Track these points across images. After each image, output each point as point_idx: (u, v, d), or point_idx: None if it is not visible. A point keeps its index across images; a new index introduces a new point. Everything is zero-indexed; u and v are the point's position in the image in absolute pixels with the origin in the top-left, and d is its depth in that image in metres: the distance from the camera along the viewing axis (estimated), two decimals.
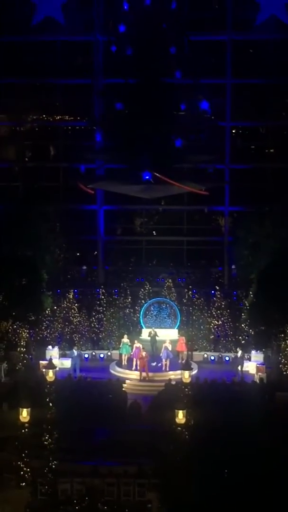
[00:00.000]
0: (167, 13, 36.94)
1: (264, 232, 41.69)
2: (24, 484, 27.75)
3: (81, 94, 49.22)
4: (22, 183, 49.74)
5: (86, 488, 26.72)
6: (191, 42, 41.92)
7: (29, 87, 49.60)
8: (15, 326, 41.04)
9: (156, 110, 35.75)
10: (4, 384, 38.16)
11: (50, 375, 28.69)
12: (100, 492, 26.77)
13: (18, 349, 41.15)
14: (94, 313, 44.37)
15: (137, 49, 36.42)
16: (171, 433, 27.38)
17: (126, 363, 40.59)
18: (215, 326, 43.75)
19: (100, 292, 44.93)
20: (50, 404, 28.31)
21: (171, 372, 38.93)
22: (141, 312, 44.41)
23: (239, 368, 39.87)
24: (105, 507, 26.35)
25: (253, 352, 41.34)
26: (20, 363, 40.77)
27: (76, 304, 44.25)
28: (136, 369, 39.30)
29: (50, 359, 31.21)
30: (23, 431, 27.98)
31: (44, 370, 30.95)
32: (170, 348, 40.04)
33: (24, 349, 41.21)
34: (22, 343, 41.17)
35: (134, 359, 39.77)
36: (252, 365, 40.41)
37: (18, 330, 41.19)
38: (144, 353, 39.03)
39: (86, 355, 43.24)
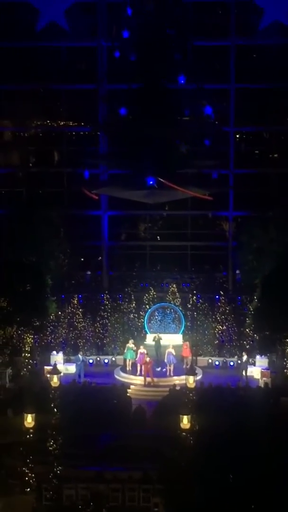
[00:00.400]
0: (170, 19, 36.98)
1: (268, 237, 41.68)
2: (29, 489, 27.71)
3: (85, 99, 49.23)
4: (26, 189, 49.74)
5: (91, 494, 26.68)
6: (194, 47, 42.02)
7: (33, 93, 49.66)
8: (19, 332, 41.08)
9: (160, 115, 35.77)
10: (9, 389, 38.17)
11: (55, 381, 28.67)
12: (104, 498, 26.73)
13: (23, 354, 41.18)
14: (98, 318, 44.40)
15: (140, 55, 36.46)
16: (175, 438, 27.33)
17: (130, 368, 40.58)
18: (220, 331, 43.74)
19: (105, 297, 44.97)
20: (55, 410, 28.27)
21: (175, 377, 38.91)
22: (146, 317, 44.40)
23: (244, 373, 39.82)
24: None
25: (257, 357, 41.32)
26: (25, 369, 40.79)
27: (80, 310, 44.31)
28: (140, 375, 39.29)
29: (55, 365, 31.19)
30: (27, 436, 27.93)
31: (48, 375, 31.01)
32: (174, 353, 40.01)
33: (29, 355, 41.21)
34: (26, 349, 41.19)
35: (139, 365, 39.76)
36: (257, 370, 40.38)
37: (22, 336, 41.22)
38: (148, 359, 39.01)
39: (91, 360, 43.24)
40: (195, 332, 43.76)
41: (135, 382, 39.19)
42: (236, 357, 42.50)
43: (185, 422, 27.13)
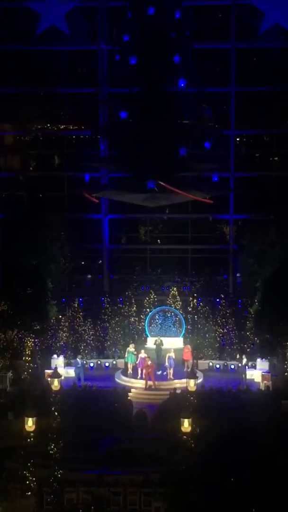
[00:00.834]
0: (171, 22, 37.04)
1: (269, 240, 41.68)
2: (29, 493, 27.65)
3: (86, 103, 49.33)
4: (27, 192, 49.81)
5: (92, 497, 26.67)
6: (195, 51, 42.07)
7: (33, 97, 49.79)
8: (20, 335, 41.05)
9: (161, 118, 35.82)
10: (10, 393, 38.12)
11: (56, 384, 28.62)
12: (106, 501, 26.72)
13: (24, 358, 41.14)
14: (99, 322, 44.36)
15: (141, 58, 36.51)
16: (176, 442, 27.30)
17: (131, 371, 40.56)
18: (220, 335, 43.70)
19: (105, 300, 44.94)
20: (56, 413, 28.23)
21: (176, 381, 38.88)
22: (146, 321, 44.36)
23: (243, 376, 39.78)
24: None
25: (258, 360, 41.28)
26: (26, 372, 40.73)
27: (81, 313, 44.27)
28: (141, 378, 39.25)
29: (56, 368, 31.17)
30: (28, 440, 27.87)
31: (49, 379, 30.92)
32: (174, 357, 40.00)
33: (30, 358, 41.17)
34: (27, 352, 41.16)
35: (139, 369, 39.75)
36: (258, 373, 40.34)
37: (23, 339, 41.20)
38: (150, 362, 38.99)
39: (92, 364, 43.22)
40: (195, 336, 43.71)
41: (136, 386, 39.15)
42: (236, 360, 42.45)
43: (186, 425, 27.08)
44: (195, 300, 44.62)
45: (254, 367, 41.15)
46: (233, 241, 48.35)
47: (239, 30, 47.66)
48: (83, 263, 49.49)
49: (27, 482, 27.83)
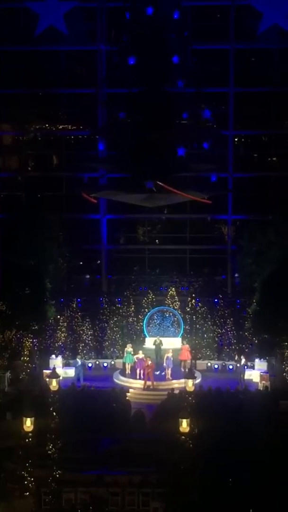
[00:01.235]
0: (170, 23, 37.03)
1: (267, 241, 41.70)
2: (28, 493, 27.67)
3: (84, 103, 49.32)
4: (26, 193, 49.80)
5: (90, 498, 26.71)
6: (194, 51, 42.04)
7: (32, 97, 49.71)
8: (18, 335, 41.05)
9: (159, 119, 35.79)
10: (8, 393, 38.14)
11: (54, 384, 28.65)
12: (104, 502, 26.75)
13: (22, 358, 41.15)
14: (97, 322, 44.39)
15: (140, 59, 36.49)
16: (175, 442, 27.31)
17: (129, 372, 40.57)
18: (219, 335, 43.73)
19: (103, 301, 44.97)
20: (54, 414, 28.26)
21: (175, 381, 38.92)
22: (144, 321, 44.38)
23: (242, 376, 39.80)
24: None
25: (256, 360, 41.30)
26: (24, 373, 40.75)
27: (79, 313, 44.32)
28: (142, 378, 39.24)
29: (54, 368, 31.18)
30: (27, 440, 27.89)
31: (47, 379, 30.97)
32: (172, 357, 40.01)
33: (28, 359, 41.20)
34: (25, 352, 41.18)
35: (138, 369, 39.75)
36: (256, 373, 40.36)
37: (21, 339, 41.22)
38: (150, 362, 38.98)
39: (90, 364, 43.23)
40: (194, 336, 43.73)
41: (134, 386, 39.17)
42: (235, 360, 42.47)
43: (184, 425, 27.08)
44: (193, 300, 44.61)
45: (252, 367, 41.17)
46: (232, 242, 48.37)
47: (238, 31, 47.66)
48: (81, 263, 49.45)
49: (26, 482, 27.84)
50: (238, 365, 41.15)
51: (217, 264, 49.44)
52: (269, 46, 47.38)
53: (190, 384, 29.65)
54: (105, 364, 43.42)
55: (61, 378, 31.16)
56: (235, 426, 25.61)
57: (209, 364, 43.11)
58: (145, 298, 45.29)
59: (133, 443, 30.57)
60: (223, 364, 42.96)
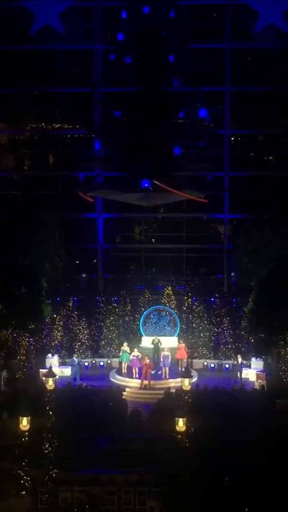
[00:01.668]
0: (166, 22, 37.02)
1: (264, 240, 41.71)
2: (24, 493, 27.62)
3: (81, 102, 49.31)
4: (22, 192, 49.76)
5: (87, 497, 26.68)
6: (190, 50, 42.04)
7: (28, 96, 49.65)
8: (14, 335, 41.04)
9: (155, 118, 35.80)
10: (4, 392, 38.11)
11: (50, 384, 28.61)
12: (100, 501, 26.73)
13: (18, 357, 41.16)
14: (93, 321, 44.40)
15: (136, 58, 36.48)
16: (171, 441, 27.32)
17: (126, 371, 40.57)
18: (215, 334, 43.78)
19: (100, 300, 44.95)
20: (50, 413, 28.22)
21: (171, 380, 38.93)
22: (141, 320, 44.38)
23: (238, 375, 39.82)
24: None
25: (253, 359, 41.32)
26: (20, 372, 40.75)
27: (75, 312, 44.29)
28: (139, 377, 39.22)
29: (50, 367, 31.14)
30: (23, 439, 27.86)
31: (44, 378, 30.88)
32: (169, 356, 40.01)
33: (24, 358, 41.21)
34: (22, 352, 41.18)
35: (134, 368, 39.74)
36: (252, 372, 40.39)
37: (18, 339, 41.22)
38: (148, 361, 38.96)
39: (86, 363, 43.23)
40: (190, 335, 43.75)
41: (130, 385, 39.16)
42: (231, 359, 42.51)
43: (180, 424, 27.09)
44: (189, 299, 44.67)
45: (248, 366, 41.20)
46: (228, 241, 48.41)
47: (235, 30, 47.69)
48: (77, 262, 49.47)
49: (22, 481, 27.79)
50: (235, 363, 41.10)
51: (214, 263, 49.45)
52: (266, 45, 47.36)
53: (186, 383, 29.66)
54: (102, 363, 43.43)
55: (57, 377, 31.05)
56: (232, 425, 25.64)
57: (205, 363, 43.14)
58: (142, 297, 45.28)
59: (129, 442, 30.55)
60: (220, 363, 42.99)
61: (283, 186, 48.11)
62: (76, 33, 48.16)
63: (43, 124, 51.24)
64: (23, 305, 38.35)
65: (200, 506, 19.54)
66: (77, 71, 51.12)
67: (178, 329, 44.03)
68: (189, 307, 44.47)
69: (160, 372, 40.03)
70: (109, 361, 43.45)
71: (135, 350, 40.47)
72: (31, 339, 41.80)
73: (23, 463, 27.86)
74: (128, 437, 31.44)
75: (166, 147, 36.57)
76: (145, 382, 38.81)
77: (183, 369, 37.00)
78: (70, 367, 40.91)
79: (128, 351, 40.72)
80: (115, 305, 44.90)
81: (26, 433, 27.72)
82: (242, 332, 42.97)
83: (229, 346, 43.32)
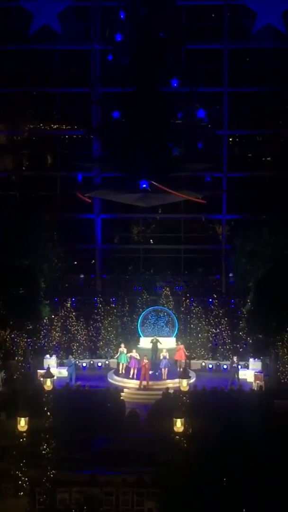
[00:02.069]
0: (164, 22, 37.04)
1: (262, 240, 41.68)
2: (22, 493, 27.65)
3: (79, 103, 49.29)
4: (20, 192, 49.72)
5: (85, 497, 26.63)
6: (188, 51, 42.08)
7: (26, 96, 49.62)
8: (12, 335, 41.00)
9: (153, 118, 35.83)
10: (2, 393, 38.07)
11: (48, 384, 28.63)
12: (98, 501, 26.69)
13: (16, 358, 41.13)
14: (91, 322, 44.34)
15: (134, 58, 36.51)
16: (169, 442, 27.30)
17: (124, 371, 40.53)
18: (213, 334, 43.74)
19: (98, 300, 44.90)
20: (48, 413, 28.23)
21: (169, 381, 38.89)
22: (139, 321, 44.34)
23: (235, 375, 39.79)
24: None
25: (251, 360, 41.32)
26: (18, 372, 40.70)
27: (73, 313, 44.22)
28: (137, 378, 39.18)
29: (48, 368, 31.15)
30: (21, 440, 27.89)
31: (42, 379, 30.94)
32: (168, 357, 40.00)
33: (22, 358, 41.16)
34: (20, 352, 41.15)
35: (132, 369, 39.71)
36: (250, 373, 40.38)
37: (15, 339, 41.19)
38: (146, 361, 38.93)
39: (84, 364, 43.20)
40: (188, 335, 43.72)
41: (128, 386, 39.14)
42: (230, 360, 42.49)
43: (178, 425, 27.10)
44: (187, 300, 44.66)
45: (246, 367, 41.18)
46: (226, 241, 48.37)
47: (232, 31, 47.72)
48: (75, 263, 49.40)
49: (20, 482, 27.82)
50: (233, 364, 41.08)
51: (212, 264, 49.44)
52: (263, 45, 47.42)
53: (184, 384, 29.68)
54: (100, 364, 43.39)
55: (55, 377, 31.12)
56: (230, 426, 25.57)
57: (203, 363, 43.12)
58: (140, 298, 45.24)
59: (127, 443, 30.58)
60: (218, 363, 42.98)
61: (281, 187, 48.07)
62: (74, 33, 48.19)
63: (41, 124, 51.18)
64: (21, 305, 38.30)
65: (198, 507, 19.52)
66: (75, 72, 51.05)
67: (176, 330, 44.00)
68: (187, 308, 44.46)
69: (158, 373, 40.00)
70: (107, 362, 43.42)
71: (133, 350, 40.42)
72: (29, 340, 41.77)
73: (21, 464, 27.88)
74: (126, 437, 31.47)
75: (164, 147, 36.60)
76: (144, 382, 38.78)
77: (181, 370, 37.00)
78: (67, 367, 40.86)
79: (125, 352, 40.69)
80: (113, 305, 44.83)
81: (24, 434, 27.77)
82: (240, 333, 42.94)
83: (227, 347, 43.29)
